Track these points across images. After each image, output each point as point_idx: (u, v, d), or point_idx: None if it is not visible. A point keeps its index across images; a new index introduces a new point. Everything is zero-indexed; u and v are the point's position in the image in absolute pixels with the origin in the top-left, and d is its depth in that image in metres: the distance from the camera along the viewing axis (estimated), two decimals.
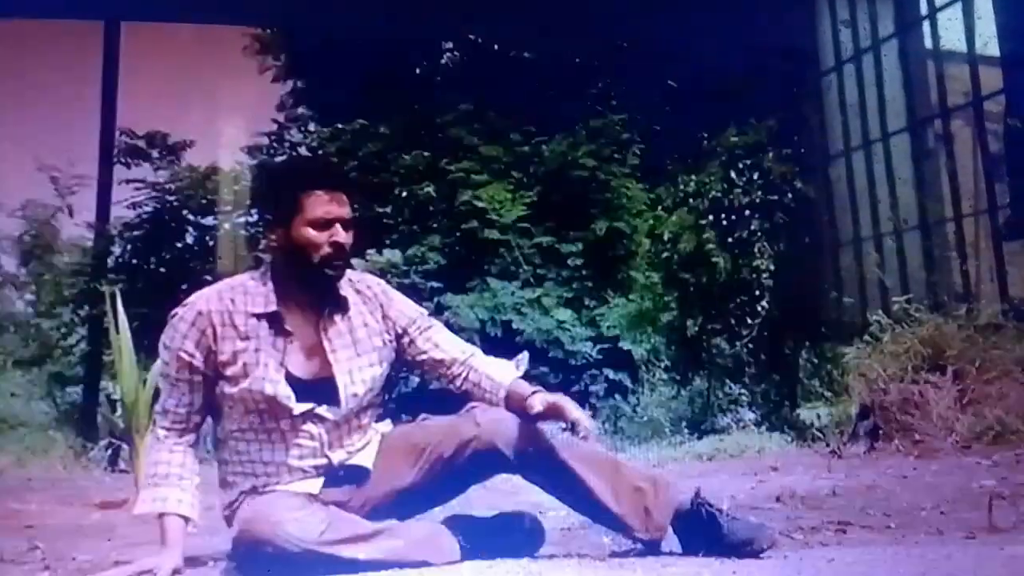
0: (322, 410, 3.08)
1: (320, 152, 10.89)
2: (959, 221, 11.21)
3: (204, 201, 10.89)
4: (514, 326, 9.84)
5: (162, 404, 3.11)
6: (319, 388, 3.08)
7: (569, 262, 10.44)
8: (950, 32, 11.42)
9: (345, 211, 3.01)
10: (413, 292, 10.03)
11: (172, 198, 10.94)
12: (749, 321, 10.11)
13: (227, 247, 10.88)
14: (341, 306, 3.13)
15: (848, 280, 11.73)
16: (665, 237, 10.47)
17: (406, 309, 3.25)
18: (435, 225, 10.61)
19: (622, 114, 11.26)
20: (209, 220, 10.97)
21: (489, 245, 10.44)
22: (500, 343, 9.56)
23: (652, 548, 3.21)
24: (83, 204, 11.22)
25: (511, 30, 11.84)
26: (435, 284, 10.05)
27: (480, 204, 10.43)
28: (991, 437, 7.38)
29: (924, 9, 11.80)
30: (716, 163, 10.74)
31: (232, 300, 3.03)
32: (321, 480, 3.12)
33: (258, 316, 3.03)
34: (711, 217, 10.30)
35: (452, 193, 10.64)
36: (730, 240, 10.21)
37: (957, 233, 11.23)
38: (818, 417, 8.75)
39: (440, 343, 3.24)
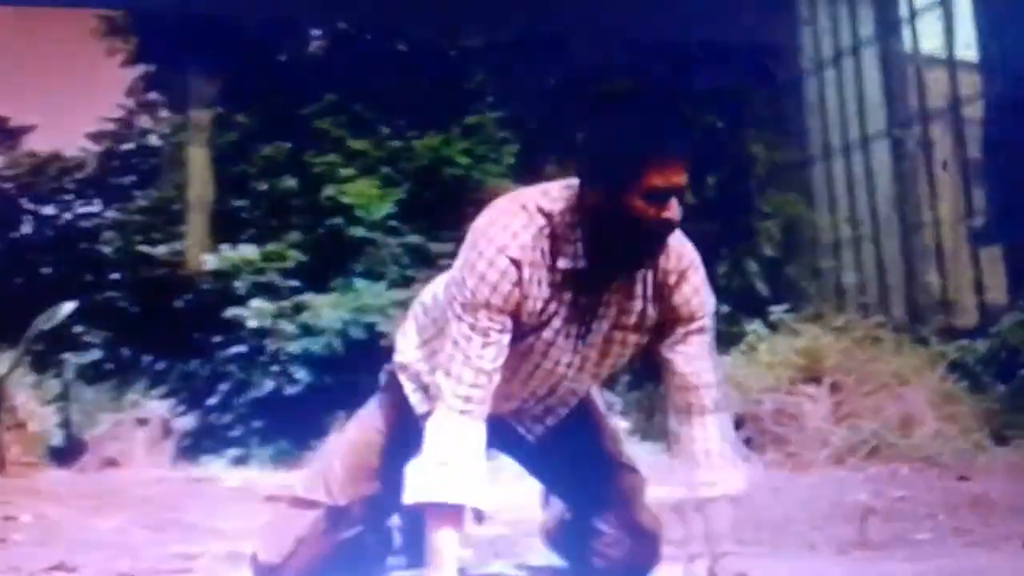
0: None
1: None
2: (937, 225, 11.34)
3: (45, 189, 10.43)
4: (379, 328, 9.41)
5: (456, 373, 2.66)
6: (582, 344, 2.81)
7: (440, 263, 10.04)
8: (930, 37, 11.59)
9: (683, 179, 2.58)
10: (269, 291, 9.81)
11: (9, 185, 10.60)
12: None
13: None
14: (636, 272, 2.76)
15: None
16: None
17: (692, 302, 2.81)
18: (296, 221, 10.25)
19: (498, 112, 10.95)
20: (49, 209, 10.51)
21: (354, 243, 10.08)
22: (363, 346, 9.22)
23: None
24: None
25: (383, 19, 11.48)
26: (294, 283, 9.70)
27: (345, 200, 10.08)
28: (866, 451, 7.44)
29: (904, 13, 11.94)
30: None
31: (542, 250, 2.65)
32: None
33: (565, 271, 2.68)
34: None
35: (315, 187, 10.27)
36: None
37: (935, 238, 11.36)
38: None
39: (685, 361, 2.82)
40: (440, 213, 10.34)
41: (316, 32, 11.90)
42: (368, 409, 3.08)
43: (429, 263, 10.02)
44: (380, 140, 10.60)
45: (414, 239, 10.22)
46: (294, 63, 11.64)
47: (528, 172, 10.56)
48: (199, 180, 10.45)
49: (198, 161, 10.57)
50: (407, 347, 2.98)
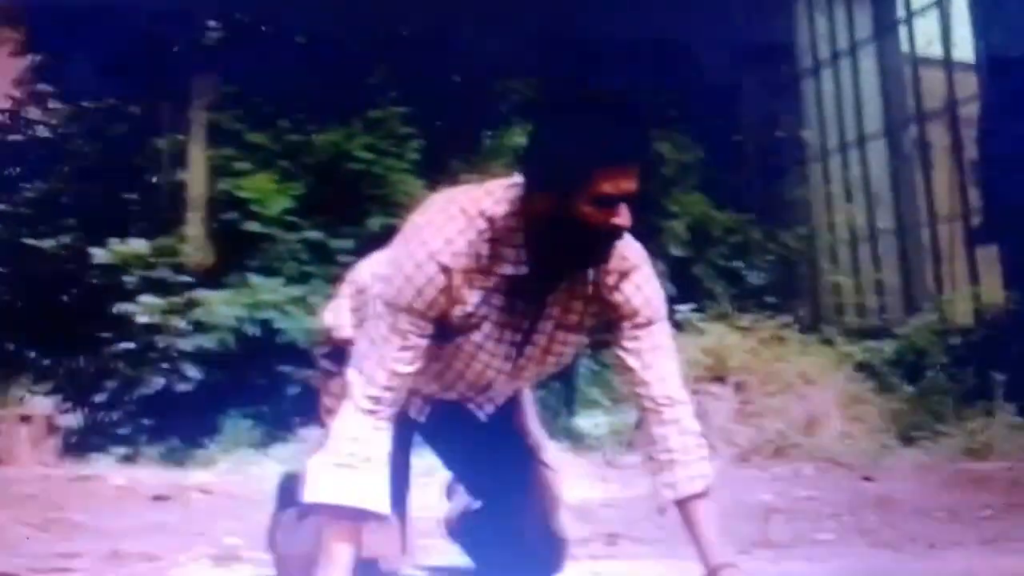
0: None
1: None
2: (933, 225, 11.55)
3: None
4: (275, 325, 9.16)
5: (369, 373, 2.61)
6: (516, 348, 2.79)
7: (339, 259, 9.80)
8: (927, 37, 11.80)
9: (634, 185, 2.52)
10: (161, 287, 9.49)
11: None
12: None
13: None
14: (580, 273, 2.73)
15: None
16: None
17: (634, 300, 2.75)
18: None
19: (403, 107, 10.73)
20: None
21: (250, 238, 9.75)
22: (258, 343, 9.00)
23: None
24: None
25: (282, 11, 11.22)
26: (186, 278, 9.35)
27: (242, 194, 9.77)
28: (771, 451, 7.60)
29: (901, 14, 12.16)
30: (500, 163, 10.39)
31: (479, 255, 2.59)
32: None
33: (502, 276, 2.64)
34: None
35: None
36: None
37: (932, 237, 11.58)
38: (596, 425, 8.55)
39: (635, 357, 2.75)
40: (340, 209, 10.13)
41: (212, 23, 11.54)
42: (337, 389, 2.93)
43: (328, 259, 9.80)
44: (278, 133, 10.32)
45: (313, 235, 9.94)
46: (188, 54, 11.28)
47: (432, 168, 10.42)
48: (198, 178, 10.15)
49: (197, 160, 10.27)
50: (343, 324, 2.95)
